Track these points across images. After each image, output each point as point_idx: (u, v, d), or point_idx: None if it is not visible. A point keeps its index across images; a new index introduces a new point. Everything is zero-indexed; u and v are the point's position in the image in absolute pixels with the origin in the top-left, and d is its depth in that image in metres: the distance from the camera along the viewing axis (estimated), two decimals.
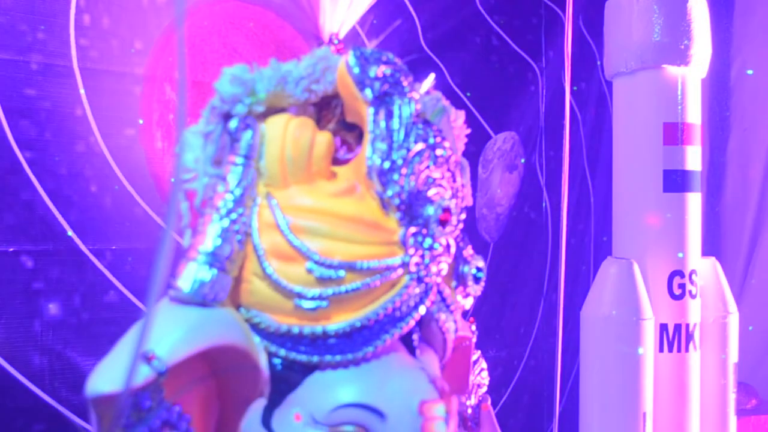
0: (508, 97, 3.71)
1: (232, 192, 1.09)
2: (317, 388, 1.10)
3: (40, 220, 2.32)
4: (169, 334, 1.02)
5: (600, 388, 2.59)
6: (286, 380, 1.10)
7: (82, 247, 2.39)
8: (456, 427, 1.18)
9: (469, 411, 1.65)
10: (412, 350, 1.19)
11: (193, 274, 1.06)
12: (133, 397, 1.01)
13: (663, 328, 2.61)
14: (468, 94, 3.53)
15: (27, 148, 2.28)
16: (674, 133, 2.56)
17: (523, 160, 3.73)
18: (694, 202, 2.59)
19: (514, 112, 3.72)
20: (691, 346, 2.63)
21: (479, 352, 1.66)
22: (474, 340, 1.39)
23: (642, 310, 2.52)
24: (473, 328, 1.40)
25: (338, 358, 1.10)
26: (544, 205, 3.75)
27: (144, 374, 0.99)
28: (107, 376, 0.96)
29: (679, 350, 2.63)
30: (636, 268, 2.56)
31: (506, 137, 3.67)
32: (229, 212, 1.08)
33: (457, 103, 3.45)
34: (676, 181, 2.57)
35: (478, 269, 1.25)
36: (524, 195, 3.74)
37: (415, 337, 1.20)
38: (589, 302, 2.64)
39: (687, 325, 2.62)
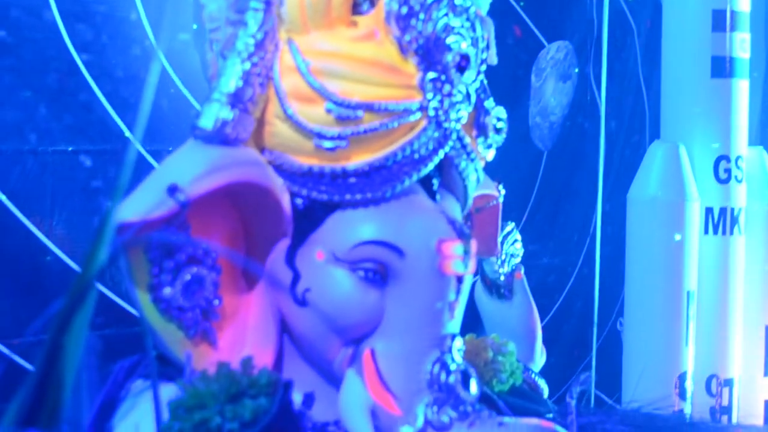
0: (561, 6, 3.69)
1: (253, 36, 1.13)
2: (338, 227, 1.15)
3: (98, 121, 2.41)
4: (192, 168, 1.08)
5: (645, 269, 2.63)
6: (308, 219, 1.16)
7: (139, 148, 2.48)
8: (474, 268, 1.23)
9: (502, 278, 1.70)
10: (432, 195, 1.24)
11: (215, 114, 1.11)
12: (159, 230, 1.08)
13: (708, 211, 2.63)
14: (521, 4, 3.52)
15: (84, 50, 2.36)
16: (722, 20, 2.55)
17: (576, 70, 3.71)
18: (741, 89, 2.58)
19: (568, 21, 3.70)
20: (735, 229, 2.65)
21: (513, 224, 1.71)
22: (501, 201, 1.43)
23: (688, 193, 2.54)
24: (501, 189, 1.43)
25: (358, 197, 1.15)
26: (597, 115, 3.73)
27: (167, 205, 1.05)
28: (132, 207, 1.03)
29: (723, 233, 2.65)
30: (683, 150, 2.57)
31: (559, 46, 3.66)
32: (250, 55, 1.13)
33: (510, 13, 3.47)
34: (723, 67, 2.56)
35: (499, 119, 1.28)
36: (577, 105, 3.73)
37: (435, 182, 1.24)
38: (636, 184, 2.66)
39: (732, 209, 2.63)
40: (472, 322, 1.57)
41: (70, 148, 2.36)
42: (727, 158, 2.58)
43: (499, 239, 1.52)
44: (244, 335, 1.16)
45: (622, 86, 3.95)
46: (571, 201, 3.77)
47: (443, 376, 1.14)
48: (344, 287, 1.14)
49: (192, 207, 1.08)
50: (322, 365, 1.19)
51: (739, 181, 2.62)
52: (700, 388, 3.15)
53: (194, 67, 2.57)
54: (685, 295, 2.65)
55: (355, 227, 1.14)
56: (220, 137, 1.11)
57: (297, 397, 1.20)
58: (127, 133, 2.45)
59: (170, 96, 2.57)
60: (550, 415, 1.40)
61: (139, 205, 1.03)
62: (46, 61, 2.30)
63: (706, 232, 2.65)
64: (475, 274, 1.74)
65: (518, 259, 1.70)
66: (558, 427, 1.12)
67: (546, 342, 1.78)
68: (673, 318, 2.83)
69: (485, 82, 1.27)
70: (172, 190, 1.05)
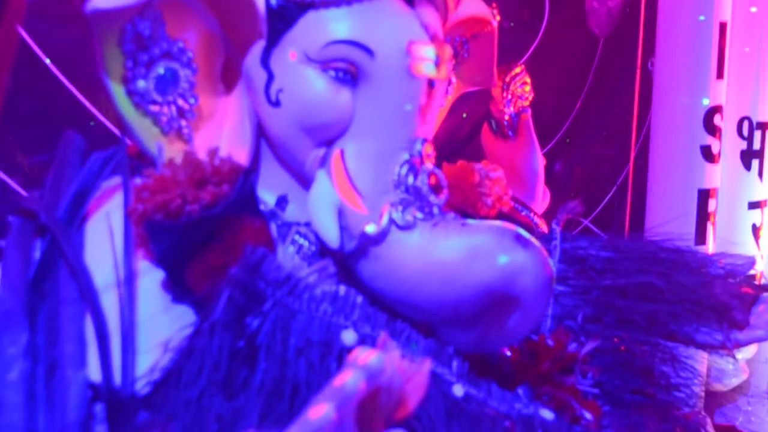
0: None
1: None
2: (311, 27, 1.16)
3: None
4: None
5: None
6: (282, 19, 1.16)
7: None
8: (447, 74, 1.23)
9: (507, 118, 1.70)
10: (410, 1, 1.23)
11: None
12: (132, 21, 1.11)
13: None
14: None
15: None
16: None
17: None
18: None
19: None
20: None
21: (523, 66, 1.70)
22: (496, 26, 1.42)
23: None
24: (497, 16, 1.42)
25: None
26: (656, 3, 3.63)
27: None
28: None
29: None
30: None
31: None
32: None
33: None
34: None
35: None
36: None
37: None
38: None
39: None
40: None
41: None
42: None
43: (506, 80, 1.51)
44: (220, 135, 1.20)
45: None
46: (628, 91, 3.69)
47: (410, 179, 1.16)
48: (315, 87, 1.15)
49: (166, 5, 1.11)
50: (295, 167, 1.21)
51: None
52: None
53: None
54: None
55: (327, 27, 1.15)
56: None
57: (270, 199, 1.24)
58: None
59: None
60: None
61: None
62: None
63: None
64: (483, 115, 1.75)
65: (526, 102, 1.70)
66: (520, 230, 1.12)
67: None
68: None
69: None
70: None
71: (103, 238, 1.11)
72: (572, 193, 3.69)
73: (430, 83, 1.19)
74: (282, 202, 1.23)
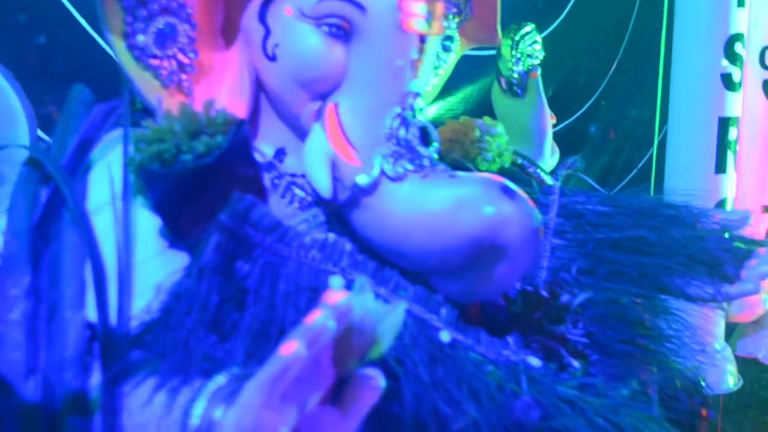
0: None
1: None
2: None
3: None
4: None
5: None
6: None
7: None
8: (439, 29, 1.25)
9: (516, 77, 1.71)
10: None
11: None
12: None
13: None
14: None
15: None
16: None
17: None
18: None
19: None
20: None
21: (533, 25, 1.71)
22: None
23: None
24: None
25: None
26: None
27: None
28: None
29: None
30: None
31: None
32: None
33: None
34: None
35: None
36: None
37: None
38: None
39: None
40: None
41: None
42: None
43: (499, 27, 1.52)
44: (219, 89, 1.24)
45: None
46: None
47: (402, 132, 1.19)
48: (310, 42, 1.19)
49: None
50: (292, 120, 1.25)
51: None
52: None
53: None
54: None
55: None
56: None
57: (269, 151, 1.28)
58: None
59: None
60: (536, 196, 1.43)
61: None
62: None
63: None
64: (493, 73, 1.77)
65: (536, 61, 1.71)
66: (507, 182, 1.15)
67: None
68: None
69: None
70: None
71: (104, 187, 1.16)
72: (608, 155, 3.68)
73: (422, 39, 1.21)
74: (280, 154, 1.27)
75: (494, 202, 1.14)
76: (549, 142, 1.75)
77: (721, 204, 3.18)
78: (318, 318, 0.86)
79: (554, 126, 2.92)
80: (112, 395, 1.04)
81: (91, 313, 1.10)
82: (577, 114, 3.60)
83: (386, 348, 0.98)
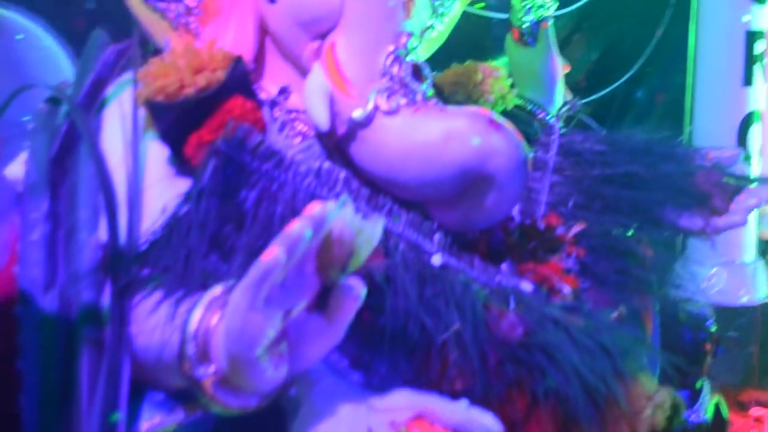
0: None
1: None
2: None
3: None
4: None
5: None
6: None
7: None
8: None
9: (527, 27, 1.76)
10: None
11: None
12: None
13: None
14: None
15: None
16: None
17: None
18: None
19: None
20: None
21: None
22: None
23: None
24: None
25: None
26: None
27: None
28: None
29: None
30: None
31: None
32: None
33: None
34: None
35: None
36: None
37: None
38: None
39: None
40: None
41: None
42: None
43: None
44: (225, 31, 1.32)
45: None
46: None
47: (395, 69, 1.25)
48: None
49: None
50: (294, 60, 1.33)
51: None
52: None
53: None
54: None
55: None
56: None
57: (274, 89, 1.36)
58: None
59: None
60: (537, 135, 1.48)
61: None
62: None
63: None
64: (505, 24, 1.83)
65: (547, 12, 1.76)
66: (494, 115, 1.21)
67: None
68: None
69: None
70: None
71: (117, 122, 1.26)
72: (654, 121, 3.68)
73: None
74: (284, 92, 1.35)
75: (481, 134, 1.20)
76: (560, 90, 1.81)
77: (749, 117, 3.17)
78: (296, 227, 0.94)
79: (598, 91, 2.97)
80: (121, 306, 1.14)
81: (104, 235, 1.19)
82: (623, 79, 3.60)
83: (364, 258, 1.05)
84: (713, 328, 1.66)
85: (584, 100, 3.01)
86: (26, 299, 1.14)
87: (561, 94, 1.80)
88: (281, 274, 0.94)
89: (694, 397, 1.62)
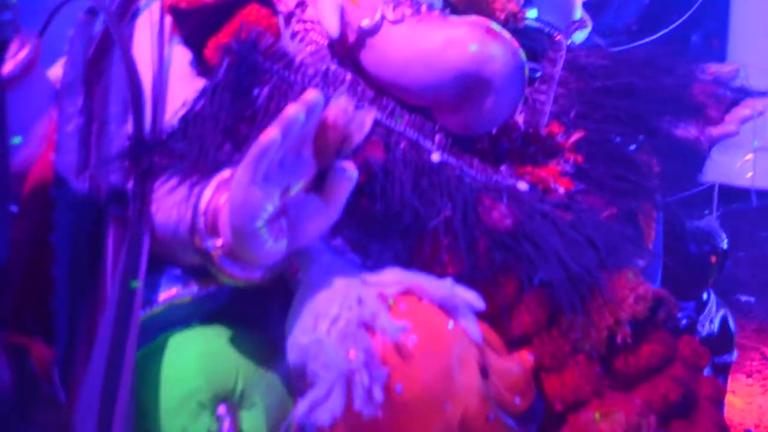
0: None
1: None
2: None
3: None
4: None
5: None
6: None
7: None
8: None
9: None
10: None
11: None
12: None
13: None
14: None
15: None
16: None
17: None
18: None
19: None
20: None
21: None
22: None
23: None
24: None
25: None
26: None
27: None
28: None
29: None
30: None
31: None
32: None
33: None
34: None
35: None
36: None
37: None
38: None
39: None
40: None
41: None
42: None
43: None
44: None
45: None
46: None
47: None
48: None
49: None
50: None
51: None
52: None
53: None
54: None
55: None
56: None
57: (292, 2, 1.46)
58: None
59: None
60: (545, 52, 1.55)
61: None
62: None
63: None
64: None
65: None
66: (493, 24, 1.30)
67: None
68: None
69: None
70: None
71: (146, 29, 1.38)
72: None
73: None
74: (301, 4, 1.45)
75: (478, 41, 1.30)
76: (577, 13, 1.86)
77: None
78: (290, 110, 1.05)
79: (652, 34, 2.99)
80: (143, 188, 1.27)
81: (131, 127, 1.32)
82: (678, 22, 3.58)
83: (357, 142, 1.16)
84: (724, 244, 1.71)
85: (636, 43, 3.02)
86: (61, 182, 1.28)
87: (578, 16, 1.85)
88: (278, 152, 1.06)
89: (699, 308, 1.69)
